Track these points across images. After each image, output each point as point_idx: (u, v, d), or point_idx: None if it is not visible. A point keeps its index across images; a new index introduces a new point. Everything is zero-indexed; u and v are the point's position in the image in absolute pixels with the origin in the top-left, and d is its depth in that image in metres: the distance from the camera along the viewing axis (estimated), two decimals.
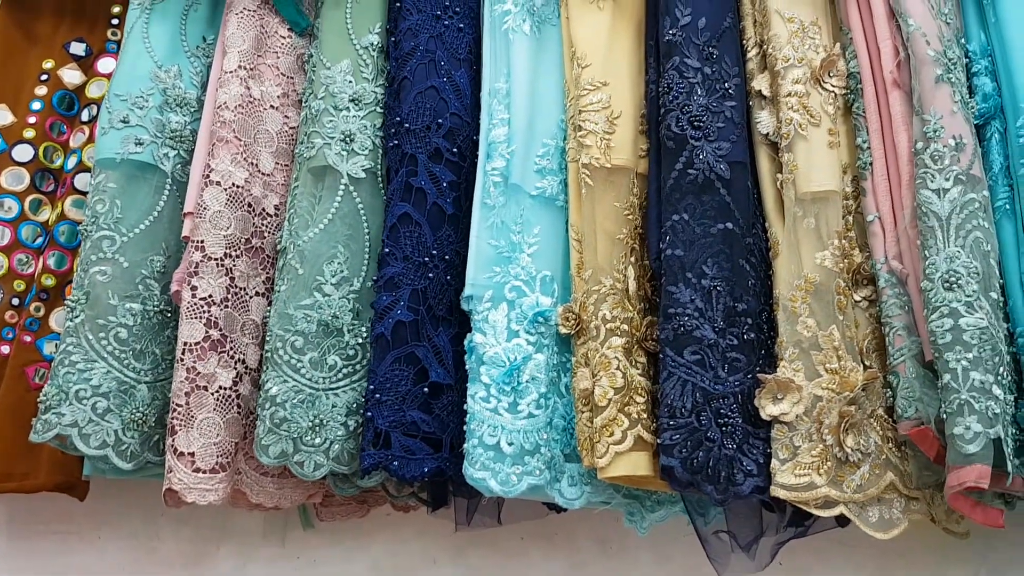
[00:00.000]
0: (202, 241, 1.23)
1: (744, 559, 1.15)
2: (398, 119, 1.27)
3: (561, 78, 1.31)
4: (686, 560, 1.32)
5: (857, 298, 1.17)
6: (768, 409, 1.08)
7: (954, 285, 1.05)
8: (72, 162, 1.47)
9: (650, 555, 1.34)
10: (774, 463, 1.07)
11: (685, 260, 1.13)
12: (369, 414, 1.14)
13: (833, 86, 1.23)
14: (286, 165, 1.35)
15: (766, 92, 1.23)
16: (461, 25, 1.35)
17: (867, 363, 1.13)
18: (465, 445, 1.13)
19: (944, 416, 1.02)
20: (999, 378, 1.02)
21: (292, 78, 1.40)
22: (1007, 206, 1.15)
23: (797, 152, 1.18)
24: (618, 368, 1.12)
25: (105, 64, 1.51)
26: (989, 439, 0.99)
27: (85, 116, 1.49)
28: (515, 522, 1.29)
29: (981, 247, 1.07)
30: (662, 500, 1.20)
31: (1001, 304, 1.08)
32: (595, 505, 1.18)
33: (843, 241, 1.16)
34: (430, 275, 1.20)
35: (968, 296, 1.04)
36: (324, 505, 1.34)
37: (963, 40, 1.23)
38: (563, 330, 1.18)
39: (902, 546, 1.31)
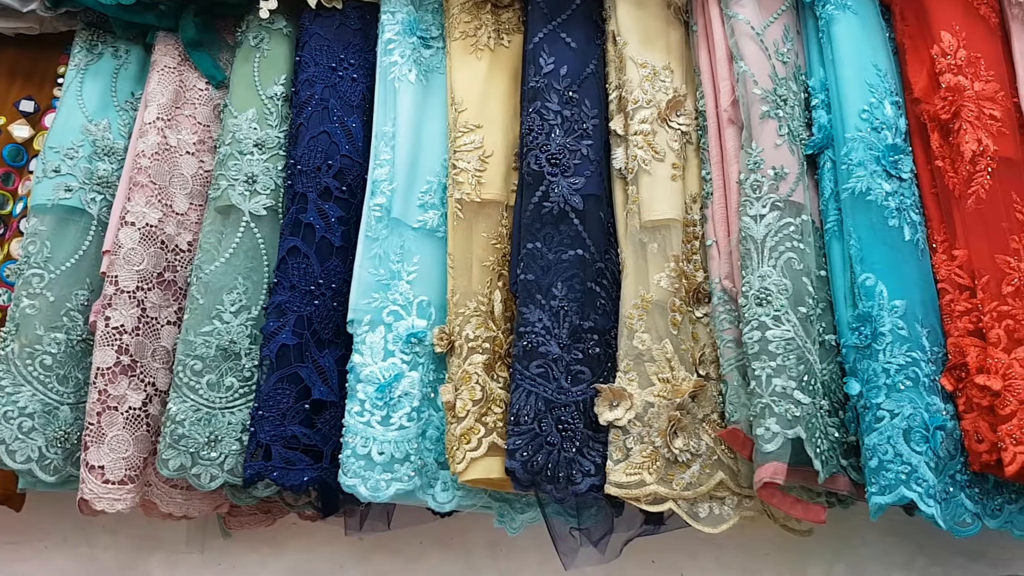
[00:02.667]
0: (116, 276, 1.37)
1: (593, 552, 1.26)
2: (292, 161, 1.41)
3: (446, 121, 1.44)
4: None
5: (698, 314, 1.29)
6: (604, 415, 1.20)
7: (764, 301, 1.16)
8: (19, 208, 1.61)
9: (536, 555, 1.45)
10: (609, 463, 1.19)
11: (537, 283, 1.26)
12: (252, 429, 1.27)
13: (680, 124, 1.35)
14: (200, 205, 1.48)
15: (620, 131, 1.36)
16: (355, 76, 1.49)
17: (703, 373, 1.25)
18: (340, 455, 1.25)
19: (751, 419, 1.14)
20: (803, 384, 1.13)
21: (208, 126, 1.54)
22: (836, 228, 1.27)
23: (641, 185, 1.30)
24: (477, 382, 1.24)
25: (50, 119, 1.67)
26: (787, 439, 1.10)
27: (32, 167, 1.65)
28: (404, 527, 1.40)
29: (793, 266, 1.19)
30: (532, 502, 1.31)
31: (812, 318, 1.19)
32: (466, 508, 1.30)
33: (682, 264, 1.28)
34: (316, 302, 1.33)
35: (776, 311, 1.16)
36: (232, 515, 1.46)
37: (803, 76, 1.36)
38: (438, 349, 1.31)
39: (766, 545, 1.42)
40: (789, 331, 1.15)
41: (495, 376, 1.27)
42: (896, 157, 1.25)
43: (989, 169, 1.20)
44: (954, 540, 1.33)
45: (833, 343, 1.23)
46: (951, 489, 1.14)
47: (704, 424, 1.22)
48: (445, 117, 1.44)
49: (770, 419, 1.11)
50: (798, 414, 1.12)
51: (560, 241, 1.28)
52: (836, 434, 1.19)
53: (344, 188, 1.41)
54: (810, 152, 1.31)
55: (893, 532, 1.36)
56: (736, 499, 1.21)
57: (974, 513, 1.15)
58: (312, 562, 1.53)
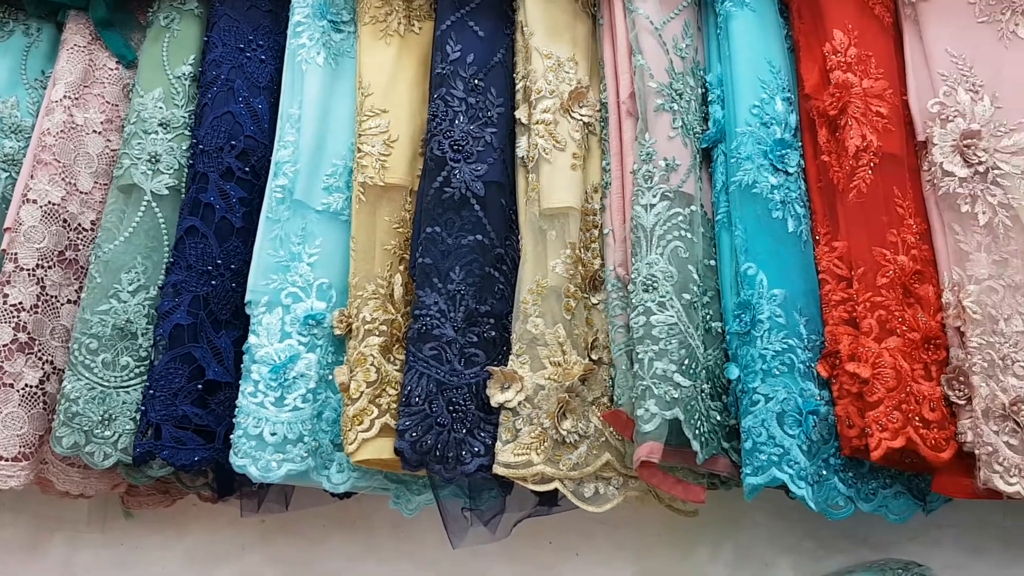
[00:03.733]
0: (16, 253, 1.35)
1: (484, 531, 1.28)
2: (195, 141, 1.41)
3: (355, 106, 1.45)
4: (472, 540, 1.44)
5: (594, 301, 1.31)
6: (496, 397, 1.22)
7: (650, 287, 1.19)
8: None
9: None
10: (498, 444, 1.21)
11: (435, 267, 1.27)
12: (143, 408, 1.27)
13: (582, 115, 1.37)
14: (105, 185, 1.47)
15: (524, 120, 1.38)
16: (263, 57, 1.49)
17: (595, 358, 1.27)
18: (232, 436, 1.26)
19: (633, 401, 1.17)
20: (684, 367, 1.17)
21: (117, 106, 1.53)
22: (725, 219, 1.30)
23: (541, 173, 1.33)
24: (373, 364, 1.25)
25: None
26: (665, 420, 1.13)
27: None
28: (303, 508, 1.41)
29: (679, 255, 1.22)
30: (428, 484, 1.33)
31: (697, 305, 1.23)
32: (362, 489, 1.31)
33: (579, 251, 1.30)
34: (213, 282, 1.33)
35: (661, 297, 1.19)
36: (130, 495, 1.46)
37: (701, 72, 1.39)
38: (337, 332, 1.31)
39: (659, 526, 1.46)
40: (672, 316, 1.18)
41: (392, 359, 1.28)
42: (783, 152, 1.29)
43: (872, 164, 1.24)
44: (840, 525, 1.37)
45: (719, 330, 1.27)
46: (824, 472, 1.18)
47: (594, 407, 1.25)
48: (354, 101, 1.45)
49: (649, 400, 1.14)
50: (677, 396, 1.15)
51: (461, 226, 1.30)
52: (718, 417, 1.22)
53: (247, 169, 1.41)
54: (706, 145, 1.34)
55: (782, 516, 1.40)
56: (622, 479, 1.24)
57: (847, 496, 1.19)
58: (214, 544, 1.53)
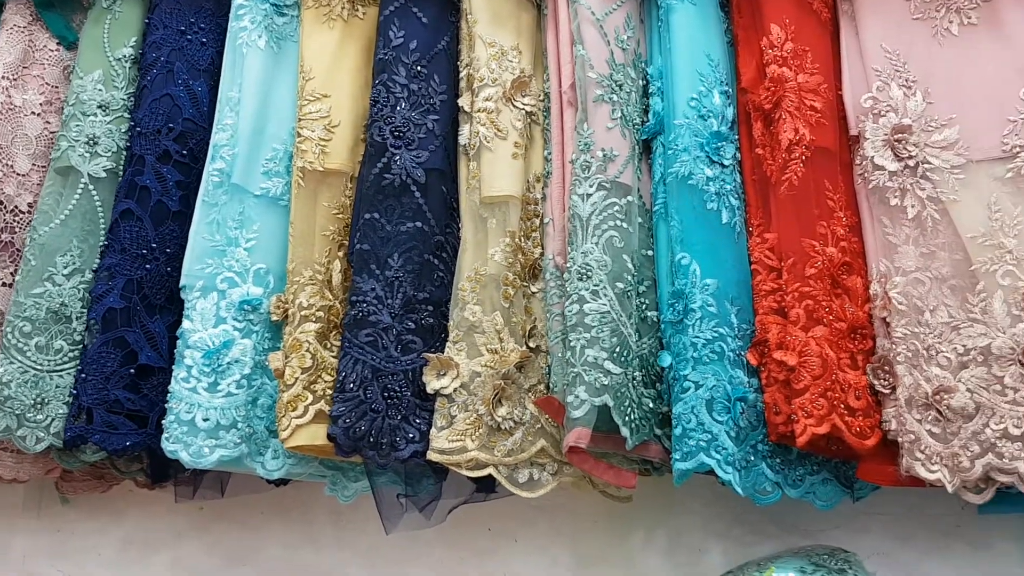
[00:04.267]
0: None
1: (419, 517, 1.29)
2: (133, 123, 1.40)
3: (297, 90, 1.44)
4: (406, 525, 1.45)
5: (534, 289, 1.32)
6: (431, 384, 1.23)
7: (584, 276, 1.20)
8: None
9: (377, 524, 1.46)
10: (432, 431, 1.21)
11: (373, 253, 1.28)
12: (75, 392, 1.26)
13: (525, 104, 1.38)
14: (43, 167, 1.45)
15: (467, 108, 1.38)
16: (204, 40, 1.47)
17: (533, 345, 1.28)
18: (164, 421, 1.25)
19: (564, 387, 1.18)
20: (615, 355, 1.18)
21: (57, 87, 1.51)
22: (662, 210, 1.31)
23: (482, 161, 1.33)
24: (308, 350, 1.25)
25: None
26: (594, 406, 1.15)
27: None
28: (239, 495, 1.41)
29: (614, 244, 1.23)
30: (365, 470, 1.33)
31: (631, 294, 1.24)
32: (297, 476, 1.31)
33: (519, 240, 1.31)
34: (148, 266, 1.32)
35: (595, 285, 1.20)
36: (65, 480, 1.44)
37: (643, 64, 1.41)
38: (274, 318, 1.31)
39: (595, 513, 1.47)
40: (605, 305, 1.19)
41: (329, 345, 1.28)
42: (719, 144, 1.30)
43: (804, 157, 1.26)
44: (770, 512, 1.40)
45: (655, 319, 1.28)
46: (752, 458, 1.20)
47: (530, 394, 1.26)
48: (296, 86, 1.44)
49: (579, 387, 1.15)
50: (607, 383, 1.16)
51: (401, 213, 1.30)
52: (651, 404, 1.24)
53: (185, 152, 1.40)
54: (646, 137, 1.35)
55: (715, 502, 1.43)
56: (556, 465, 1.25)
57: (774, 482, 1.21)
58: (150, 531, 1.53)
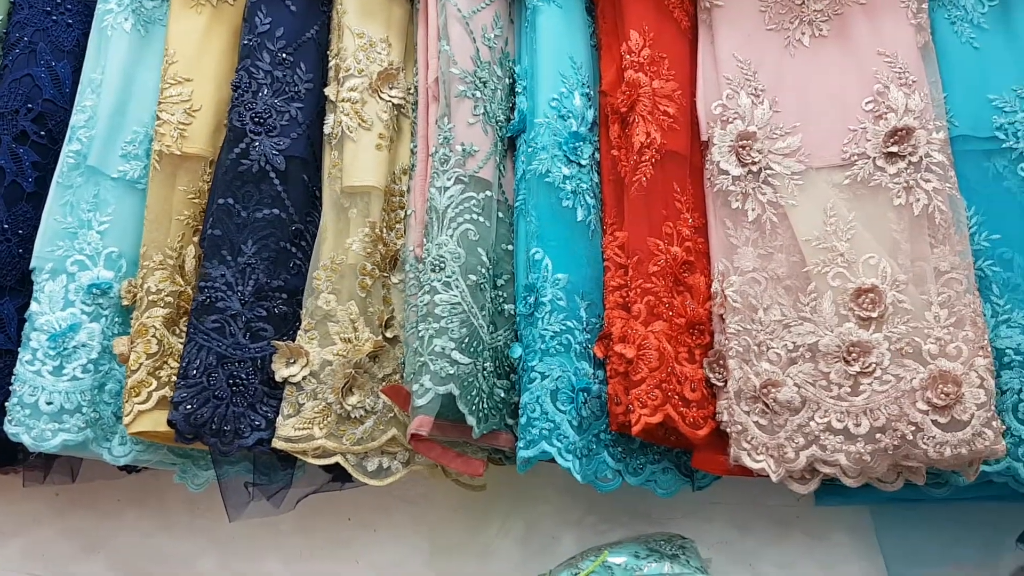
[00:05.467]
0: None
1: (266, 505, 1.29)
2: None
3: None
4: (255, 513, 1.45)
5: (395, 280, 1.34)
6: (280, 372, 1.23)
7: (438, 267, 1.23)
8: None
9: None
10: (279, 419, 1.22)
11: (226, 239, 1.27)
12: None
13: (391, 96, 1.39)
14: None
15: (332, 97, 1.39)
16: (70, 21, 1.45)
17: (390, 336, 1.30)
18: (7, 403, 1.22)
19: (411, 376, 1.20)
20: (463, 345, 1.20)
21: None
22: (522, 206, 1.35)
23: (345, 151, 1.34)
24: (154, 336, 1.24)
25: None
26: (438, 395, 1.17)
27: None
28: (92, 480, 1.39)
29: (469, 237, 1.26)
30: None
31: (484, 287, 1.26)
32: (145, 463, 1.30)
33: (379, 231, 1.33)
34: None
35: (448, 277, 1.22)
36: None
37: (510, 63, 1.44)
38: (124, 303, 1.30)
39: (454, 502, 1.50)
40: (456, 296, 1.22)
41: (178, 331, 1.27)
42: (577, 144, 1.34)
43: (653, 160, 1.30)
44: (622, 501, 1.45)
45: (513, 312, 1.31)
46: (594, 447, 1.24)
47: (384, 383, 1.27)
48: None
49: (425, 376, 1.17)
50: (452, 372, 1.18)
51: (259, 200, 1.30)
52: (503, 394, 1.27)
53: (43, 133, 1.37)
54: (511, 135, 1.38)
55: (569, 491, 1.47)
56: (408, 454, 1.27)
57: (616, 470, 1.26)
58: (6, 516, 1.50)
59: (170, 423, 1.19)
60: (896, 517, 1.36)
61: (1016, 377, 1.19)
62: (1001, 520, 1.33)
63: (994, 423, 1.12)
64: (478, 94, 1.34)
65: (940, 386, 1.13)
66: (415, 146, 1.39)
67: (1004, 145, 1.26)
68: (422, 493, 1.46)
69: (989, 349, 1.16)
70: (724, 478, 1.31)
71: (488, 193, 1.31)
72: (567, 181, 1.32)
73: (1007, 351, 1.20)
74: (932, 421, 1.13)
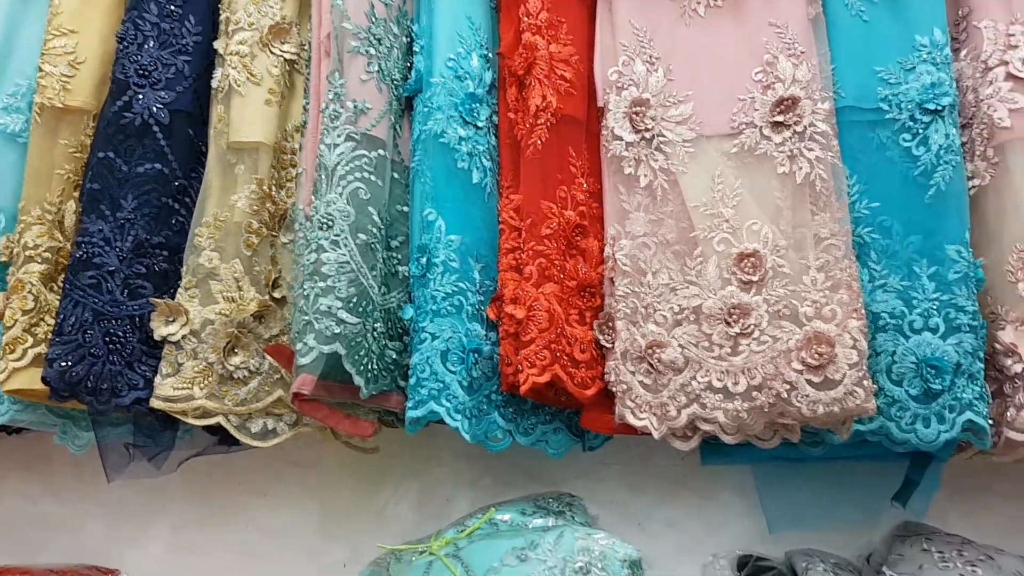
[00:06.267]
0: None
1: (147, 467, 1.27)
2: None
3: None
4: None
5: (284, 240, 1.32)
6: (159, 331, 1.20)
7: (326, 226, 1.21)
8: None
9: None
10: (157, 378, 1.19)
11: (106, 194, 1.23)
12: None
13: (283, 51, 1.37)
14: None
15: (221, 51, 1.35)
16: None
17: (278, 296, 1.28)
18: None
19: (296, 335, 1.19)
20: (351, 305, 1.19)
21: None
22: (417, 167, 1.34)
23: (232, 105, 1.31)
24: (30, 292, 1.20)
25: None
26: (322, 354, 1.16)
27: None
28: None
29: (359, 196, 1.25)
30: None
31: (375, 246, 1.25)
32: (22, 422, 1.26)
33: (268, 188, 1.30)
34: None
35: (336, 235, 1.21)
36: None
37: (409, 21, 1.42)
38: (2, 259, 1.25)
39: (348, 467, 1.49)
40: (344, 255, 1.20)
41: (55, 288, 1.23)
42: (473, 106, 1.34)
43: (549, 124, 1.31)
44: (517, 463, 1.47)
45: (407, 274, 1.31)
46: (485, 407, 1.25)
47: (270, 343, 1.25)
48: None
49: (309, 335, 1.16)
50: (339, 331, 1.17)
51: (141, 154, 1.26)
52: (394, 356, 1.26)
53: None
54: (408, 94, 1.37)
55: (465, 454, 1.47)
56: (294, 416, 1.26)
57: (506, 430, 1.27)
58: None
59: (44, 380, 1.15)
60: (777, 477, 1.41)
61: (890, 339, 1.23)
62: (879, 480, 1.38)
63: (865, 382, 1.16)
64: (372, 51, 1.32)
65: (814, 347, 1.17)
66: (306, 103, 1.36)
67: (887, 116, 1.30)
68: (314, 457, 1.44)
69: (863, 312, 1.20)
70: (617, 440, 1.34)
71: (381, 152, 1.29)
72: (463, 143, 1.31)
73: (882, 315, 1.24)
74: (806, 380, 1.17)
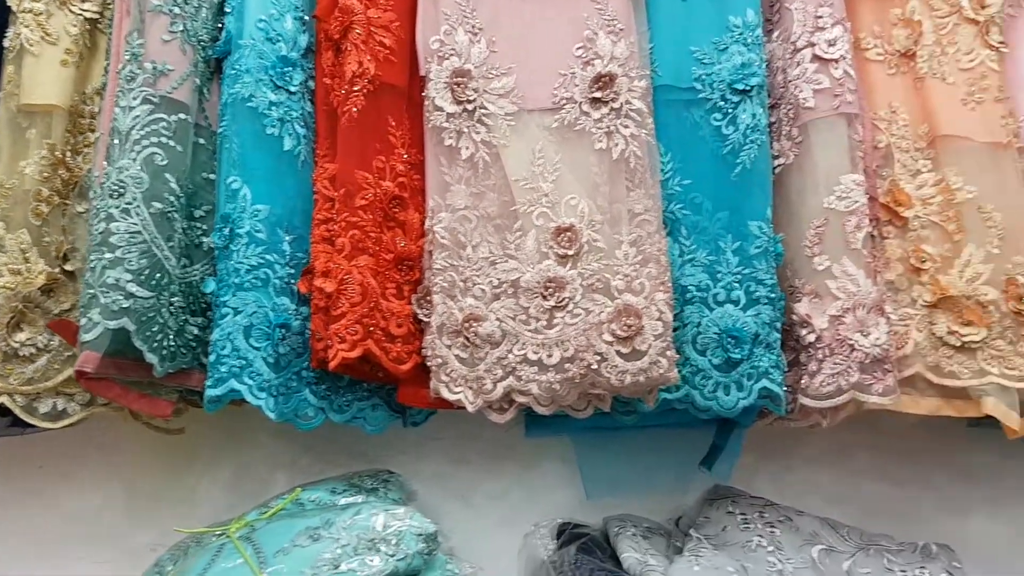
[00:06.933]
0: None
1: None
2: None
3: None
4: None
5: (80, 209, 1.23)
6: None
7: (117, 193, 1.14)
8: None
9: None
10: None
11: None
12: None
13: (83, 10, 1.28)
14: None
15: (14, 8, 1.25)
16: None
17: (71, 268, 1.20)
18: None
19: (81, 310, 1.12)
20: (143, 278, 1.13)
21: None
22: (225, 132, 1.27)
23: (24, 65, 1.22)
24: None
25: None
26: (108, 330, 1.10)
27: None
28: None
29: (155, 162, 1.18)
30: None
31: (172, 216, 1.19)
32: None
33: (61, 154, 1.21)
34: None
35: (127, 204, 1.14)
36: None
37: None
38: None
39: (155, 448, 1.43)
40: (136, 224, 1.14)
41: None
42: (286, 69, 1.29)
43: (366, 91, 1.27)
44: (338, 441, 1.44)
45: (212, 245, 1.25)
46: (294, 384, 1.22)
47: (55, 318, 1.18)
48: None
49: (94, 309, 1.09)
50: (127, 306, 1.11)
51: None
52: (196, 332, 1.21)
53: None
54: (217, 56, 1.30)
55: (282, 435, 1.43)
56: (88, 396, 1.19)
57: (318, 408, 1.24)
58: None
59: None
60: (596, 446, 1.44)
61: (696, 312, 1.28)
62: (692, 447, 1.43)
63: (668, 353, 1.20)
64: (176, 10, 1.25)
65: (624, 319, 1.19)
66: (107, 64, 1.27)
67: (700, 95, 1.33)
68: (119, 438, 1.37)
69: (670, 285, 1.23)
70: (444, 415, 1.33)
71: (182, 116, 1.23)
72: (273, 108, 1.26)
73: (690, 287, 1.28)
74: (616, 351, 1.19)
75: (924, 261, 1.31)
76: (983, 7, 1.40)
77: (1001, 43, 1.39)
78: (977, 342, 1.27)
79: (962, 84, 1.37)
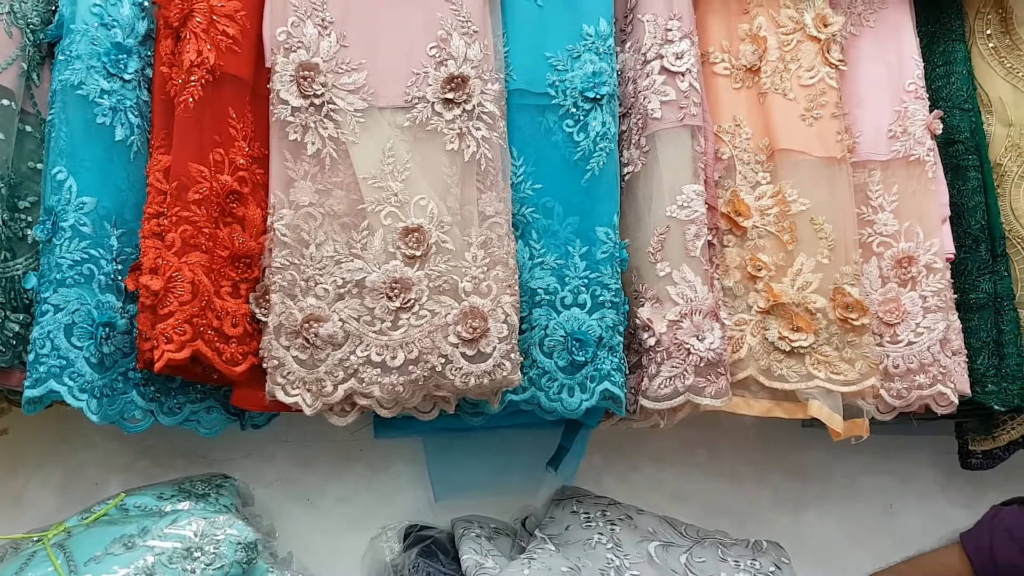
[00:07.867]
0: None
1: None
2: None
3: None
4: None
5: None
6: None
7: None
8: None
9: None
10: None
11: None
12: None
13: None
14: None
15: None
16: None
17: None
18: None
19: None
20: None
21: None
22: (53, 120, 1.21)
23: None
24: None
25: None
26: None
27: None
28: None
29: None
30: None
31: None
32: None
33: None
34: None
35: None
36: None
37: None
38: None
39: (39, 453, 1.34)
40: None
41: None
42: (120, 56, 1.23)
43: (204, 81, 1.22)
44: (179, 444, 1.39)
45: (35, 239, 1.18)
46: (120, 385, 1.16)
47: None
48: None
49: None
50: None
51: None
52: (17, 329, 1.14)
53: None
54: (49, 40, 1.23)
55: (118, 437, 1.36)
56: None
57: (147, 410, 1.19)
58: None
59: None
60: (446, 447, 1.44)
61: (544, 314, 1.29)
62: (540, 448, 1.44)
63: (512, 355, 1.20)
64: None
65: (469, 321, 1.19)
66: None
67: (554, 101, 1.34)
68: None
69: (517, 288, 1.24)
70: (290, 416, 1.30)
71: (6, 102, 1.16)
72: (105, 96, 1.20)
73: (539, 291, 1.29)
74: (461, 353, 1.19)
75: (760, 269, 1.37)
76: (825, 25, 1.46)
77: (840, 61, 1.46)
78: (805, 347, 1.34)
79: (802, 100, 1.43)
